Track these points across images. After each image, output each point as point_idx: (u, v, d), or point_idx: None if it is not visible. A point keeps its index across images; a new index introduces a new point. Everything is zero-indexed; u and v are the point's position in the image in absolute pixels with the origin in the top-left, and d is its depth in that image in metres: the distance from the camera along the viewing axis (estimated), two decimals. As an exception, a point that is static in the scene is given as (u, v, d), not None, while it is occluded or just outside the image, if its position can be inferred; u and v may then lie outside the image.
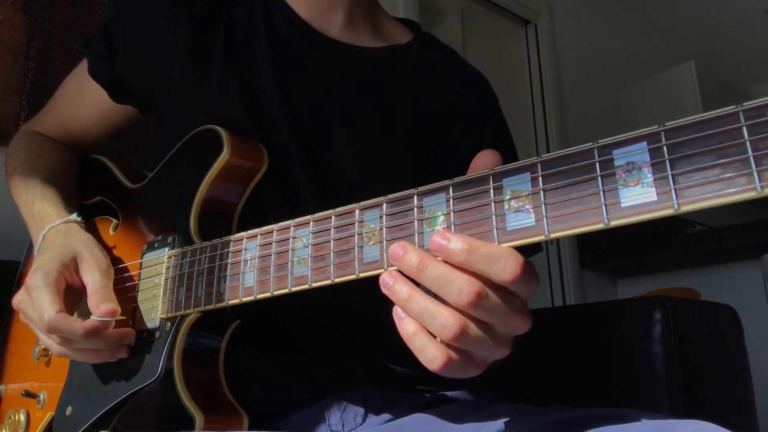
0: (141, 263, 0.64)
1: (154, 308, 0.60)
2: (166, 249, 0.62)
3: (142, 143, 1.10)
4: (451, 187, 0.41)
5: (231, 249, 0.55)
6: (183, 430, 0.56)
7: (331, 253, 0.46)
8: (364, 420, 0.64)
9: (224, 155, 0.61)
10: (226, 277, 0.54)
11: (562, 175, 0.36)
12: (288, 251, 0.49)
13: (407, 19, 0.88)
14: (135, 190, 0.72)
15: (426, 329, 0.40)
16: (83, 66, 0.79)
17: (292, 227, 0.50)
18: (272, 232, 0.51)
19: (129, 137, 0.90)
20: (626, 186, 0.33)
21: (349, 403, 0.65)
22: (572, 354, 0.92)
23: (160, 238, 0.64)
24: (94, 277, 0.60)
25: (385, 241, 0.43)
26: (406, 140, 0.73)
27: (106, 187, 0.77)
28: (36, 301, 0.57)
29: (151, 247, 0.64)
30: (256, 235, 0.53)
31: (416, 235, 0.42)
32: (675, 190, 0.31)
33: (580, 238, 2.59)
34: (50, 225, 0.67)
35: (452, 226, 0.40)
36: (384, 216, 0.44)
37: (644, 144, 0.33)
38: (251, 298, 0.52)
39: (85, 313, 0.58)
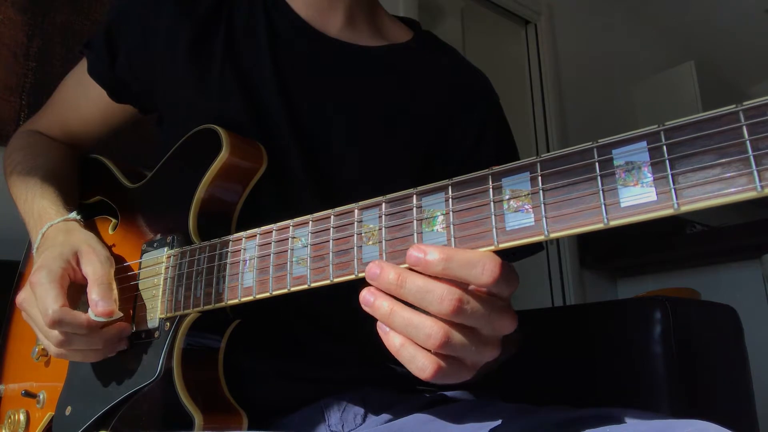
0: (140, 263, 0.64)
1: (153, 308, 0.60)
2: (165, 249, 0.62)
3: (142, 143, 1.10)
4: (450, 187, 0.41)
5: (230, 249, 0.55)
6: (182, 430, 0.56)
7: (330, 253, 0.46)
8: (363, 420, 0.64)
9: (223, 155, 0.61)
10: (225, 277, 0.54)
11: (562, 175, 0.36)
12: (287, 251, 0.49)
13: (407, 18, 0.88)
14: (134, 189, 0.72)
15: (412, 340, 0.40)
16: (83, 65, 0.79)
17: (291, 227, 0.50)
18: (271, 232, 0.51)
19: (129, 137, 0.90)
20: (626, 186, 0.33)
21: (349, 403, 0.65)
22: (572, 354, 0.92)
23: (159, 237, 0.64)
24: (94, 267, 0.60)
25: (384, 241, 0.43)
26: (406, 140, 0.73)
27: (106, 186, 0.77)
28: (40, 297, 0.57)
29: (150, 247, 0.64)
30: (255, 235, 0.53)
31: (415, 234, 0.42)
32: (675, 189, 0.31)
33: (580, 238, 2.59)
34: (50, 223, 0.66)
35: (451, 226, 0.40)
36: (383, 216, 0.44)
37: (644, 143, 0.33)
38: (250, 298, 0.52)
39: (87, 305, 0.59)
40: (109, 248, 0.69)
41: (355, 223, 0.45)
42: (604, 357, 0.89)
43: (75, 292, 0.60)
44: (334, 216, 0.47)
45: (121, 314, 0.59)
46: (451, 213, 0.40)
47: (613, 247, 2.61)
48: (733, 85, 3.47)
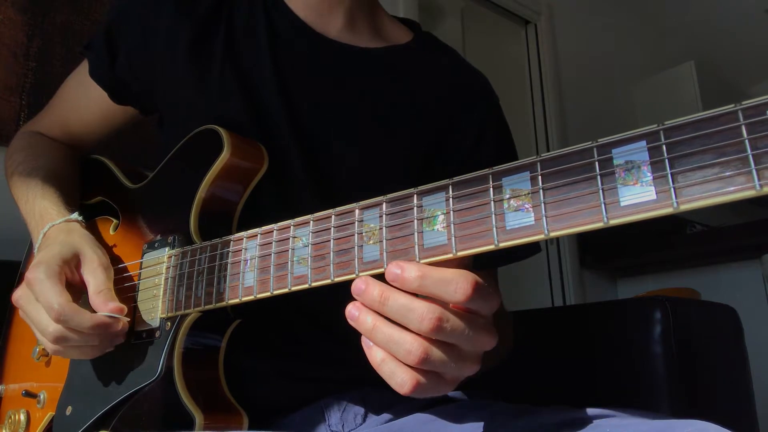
0: (141, 263, 0.64)
1: (154, 308, 0.60)
2: (166, 249, 0.62)
3: (143, 143, 1.10)
4: (450, 187, 0.41)
5: (231, 249, 0.55)
6: (183, 430, 0.56)
7: (331, 253, 0.46)
8: (364, 420, 0.64)
9: (224, 155, 0.61)
10: (226, 276, 0.54)
11: (562, 174, 0.36)
12: (288, 251, 0.49)
13: (407, 19, 0.88)
14: (135, 190, 0.72)
15: (393, 355, 0.41)
16: (84, 67, 0.80)
17: (292, 227, 0.50)
18: (272, 231, 0.51)
19: (130, 137, 0.90)
20: (625, 185, 0.33)
21: (349, 403, 0.65)
22: (572, 354, 0.92)
23: (160, 237, 0.64)
24: (96, 277, 0.60)
25: (384, 241, 0.43)
26: (405, 140, 0.73)
27: (107, 187, 0.77)
28: (41, 293, 0.57)
29: (151, 247, 0.64)
30: (256, 235, 0.53)
31: (416, 234, 0.42)
32: (674, 188, 0.31)
33: (581, 238, 2.59)
34: (51, 223, 0.66)
35: (452, 225, 0.40)
36: (384, 215, 0.44)
37: (643, 143, 0.33)
38: (251, 297, 0.52)
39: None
40: (110, 248, 0.69)
41: (356, 222, 0.45)
42: (604, 357, 0.89)
43: (71, 293, 0.60)
44: (335, 216, 0.47)
45: (128, 320, 0.60)
46: (451, 212, 0.41)
47: (613, 247, 2.61)
48: (733, 85, 3.47)
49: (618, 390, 0.86)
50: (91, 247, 0.63)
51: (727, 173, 0.30)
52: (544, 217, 0.36)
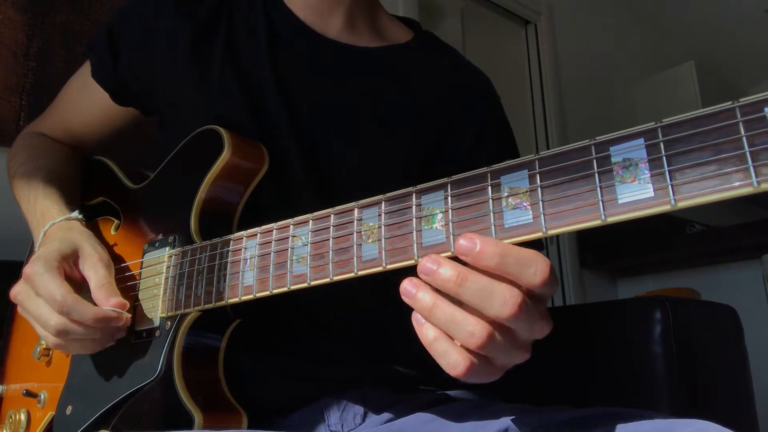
0: (142, 262, 0.64)
1: (154, 307, 0.60)
2: (167, 248, 0.62)
3: (144, 144, 1.10)
4: (449, 185, 0.41)
5: (231, 248, 0.55)
6: (182, 429, 0.56)
7: (330, 252, 0.46)
8: (363, 420, 0.64)
9: (225, 155, 0.61)
10: (225, 275, 0.54)
11: (560, 172, 0.36)
12: (287, 250, 0.49)
13: (408, 18, 0.88)
14: (136, 190, 0.73)
15: (446, 334, 0.39)
16: (86, 68, 0.80)
17: (291, 226, 0.50)
18: (272, 231, 0.52)
19: (132, 138, 0.90)
20: (623, 182, 0.33)
21: (349, 402, 0.65)
22: (572, 354, 0.92)
23: (160, 237, 0.64)
24: (97, 272, 0.60)
25: (383, 239, 0.43)
26: (405, 140, 0.73)
27: (108, 187, 0.77)
28: (42, 287, 0.57)
29: (151, 247, 0.64)
30: (256, 234, 0.53)
31: (414, 232, 0.42)
32: (672, 186, 0.32)
33: (580, 237, 2.59)
34: (51, 222, 0.67)
35: (450, 223, 0.40)
36: (383, 214, 0.44)
37: (641, 140, 0.33)
38: (250, 296, 0.52)
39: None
40: (111, 248, 0.69)
41: (355, 221, 0.45)
42: (604, 357, 0.89)
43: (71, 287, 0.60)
44: (334, 215, 0.47)
45: (130, 315, 0.60)
46: (450, 211, 0.41)
47: (613, 247, 2.61)
48: (733, 85, 3.47)
49: (618, 390, 0.86)
50: (90, 243, 0.63)
51: (725, 170, 0.30)
52: (542, 215, 0.36)
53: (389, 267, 0.43)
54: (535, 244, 0.39)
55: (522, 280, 0.37)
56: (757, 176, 0.29)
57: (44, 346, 0.71)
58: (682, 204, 0.31)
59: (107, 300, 0.58)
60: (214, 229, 0.60)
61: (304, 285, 0.47)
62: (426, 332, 0.40)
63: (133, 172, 0.77)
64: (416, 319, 0.41)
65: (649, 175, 0.33)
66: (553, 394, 0.91)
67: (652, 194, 0.32)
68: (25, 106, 1.18)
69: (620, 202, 0.33)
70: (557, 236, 2.17)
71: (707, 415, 0.46)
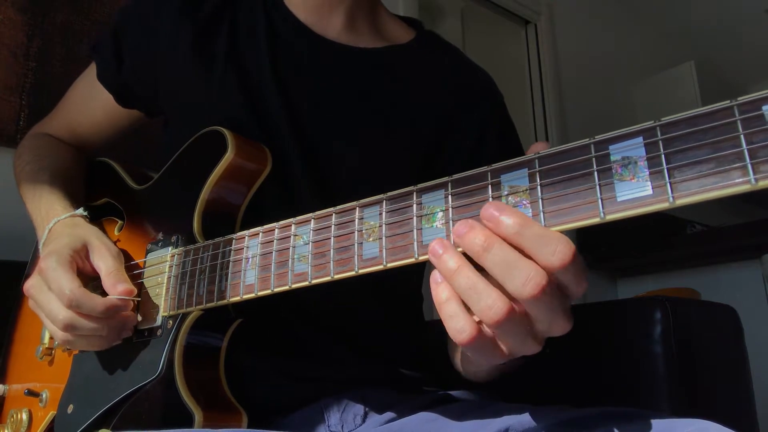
0: (145, 262, 0.65)
1: (156, 306, 0.61)
2: (170, 248, 0.62)
3: (147, 144, 1.10)
4: (449, 184, 0.41)
5: (233, 247, 0.55)
6: (182, 428, 0.56)
7: (331, 250, 0.46)
8: (363, 421, 0.64)
9: (228, 156, 0.61)
10: (227, 274, 0.54)
11: (559, 171, 0.36)
12: (289, 248, 0.49)
13: (410, 18, 0.88)
14: (140, 191, 0.73)
15: (461, 300, 0.38)
16: (92, 69, 0.81)
17: (293, 225, 0.50)
18: (274, 230, 0.52)
19: (134, 138, 0.91)
20: (622, 180, 0.34)
21: (349, 403, 0.65)
22: (572, 354, 0.92)
23: (163, 237, 0.64)
24: (106, 262, 0.61)
25: (384, 238, 0.43)
26: (405, 140, 0.73)
27: (113, 188, 0.78)
28: (54, 280, 0.58)
29: (154, 246, 0.65)
30: (258, 233, 0.53)
31: (415, 231, 0.42)
32: (670, 183, 0.32)
33: (581, 238, 2.58)
34: (56, 219, 0.68)
35: (451, 222, 0.40)
36: (384, 213, 0.44)
37: (640, 139, 0.34)
38: (252, 295, 0.52)
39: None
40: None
41: (356, 220, 0.45)
42: (604, 357, 0.88)
43: (82, 281, 0.61)
44: (336, 214, 0.47)
45: (138, 299, 0.60)
46: (450, 209, 0.41)
47: (613, 247, 2.61)
48: (733, 85, 3.47)
49: (618, 390, 0.86)
50: (98, 237, 0.64)
51: (723, 168, 0.30)
52: (542, 213, 0.37)
53: (390, 265, 0.43)
54: None
55: (539, 258, 0.35)
56: (754, 173, 0.29)
57: (47, 346, 0.71)
58: (680, 201, 0.31)
59: (115, 287, 0.59)
60: (217, 230, 0.60)
61: (306, 283, 0.48)
62: (440, 291, 0.39)
63: (136, 172, 0.78)
64: (434, 277, 0.40)
65: (647, 173, 0.33)
66: (553, 394, 0.91)
67: (650, 192, 0.33)
68: (25, 106, 1.18)
69: (619, 200, 0.34)
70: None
71: (707, 415, 0.46)
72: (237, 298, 0.53)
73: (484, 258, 0.37)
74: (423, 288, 0.80)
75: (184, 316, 0.58)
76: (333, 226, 0.47)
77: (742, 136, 0.30)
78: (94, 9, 1.32)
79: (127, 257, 0.67)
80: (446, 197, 0.41)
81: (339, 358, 0.68)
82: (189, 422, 0.56)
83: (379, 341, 0.70)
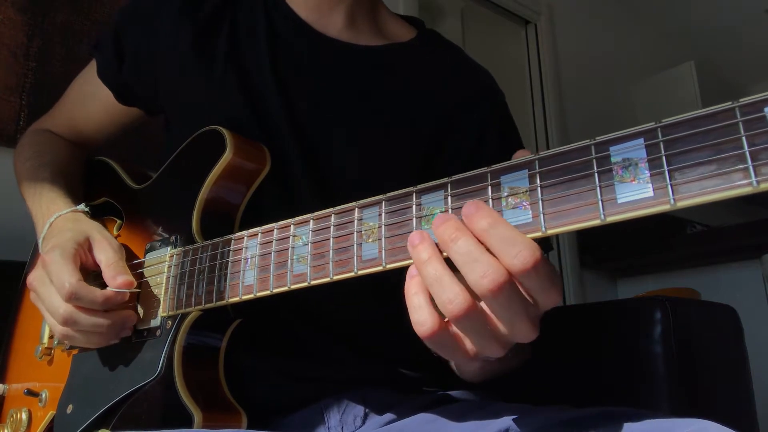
0: (143, 262, 0.65)
1: (155, 306, 0.60)
2: (169, 248, 0.62)
3: (145, 142, 1.10)
4: (449, 185, 0.41)
5: (232, 247, 0.55)
6: (182, 428, 0.56)
7: (330, 251, 0.46)
8: (363, 422, 0.64)
9: (227, 156, 0.61)
10: (226, 275, 0.54)
11: (560, 172, 0.36)
12: (288, 249, 0.49)
13: (411, 17, 0.88)
14: (139, 190, 0.73)
15: (430, 295, 0.39)
16: (92, 66, 0.81)
17: (292, 225, 0.50)
18: (273, 230, 0.52)
19: (133, 137, 0.91)
20: (623, 182, 0.33)
21: (349, 404, 0.65)
22: (572, 354, 0.92)
23: (162, 237, 0.64)
24: (107, 254, 0.61)
25: (383, 239, 0.43)
26: (406, 139, 0.73)
27: (111, 188, 0.77)
28: (55, 273, 0.58)
29: (153, 247, 0.64)
30: (257, 234, 0.53)
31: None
32: (671, 185, 0.32)
33: (581, 238, 2.58)
34: (57, 213, 0.68)
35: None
36: (383, 213, 0.44)
37: (641, 140, 0.33)
38: (251, 296, 0.52)
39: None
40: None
41: (355, 221, 0.45)
42: (604, 357, 0.88)
43: (85, 275, 0.61)
44: (335, 214, 0.47)
45: (138, 290, 0.61)
46: (450, 210, 0.41)
47: (613, 247, 2.61)
48: (733, 85, 3.47)
49: (618, 390, 0.86)
50: (99, 231, 0.65)
51: (725, 170, 0.30)
52: (542, 215, 0.37)
53: (389, 266, 0.43)
54: (541, 243, 0.38)
55: (503, 258, 0.37)
56: (756, 176, 0.29)
57: (46, 345, 0.71)
58: (681, 204, 0.31)
59: (114, 279, 0.59)
60: (216, 229, 0.60)
61: (305, 284, 0.47)
62: (412, 285, 0.41)
63: (135, 172, 0.78)
64: (410, 272, 0.41)
65: (648, 174, 0.33)
66: (554, 394, 0.91)
67: (651, 194, 0.32)
68: (25, 106, 1.18)
69: (620, 201, 0.34)
70: (557, 236, 2.17)
71: (707, 415, 0.46)
72: (236, 299, 0.53)
73: (450, 248, 0.38)
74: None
75: (183, 316, 0.58)
76: (332, 226, 0.47)
77: (743, 138, 0.29)
78: (94, 9, 1.32)
79: (126, 257, 0.67)
80: (446, 198, 0.41)
81: (339, 358, 0.68)
82: (188, 423, 0.56)
83: (379, 341, 0.70)
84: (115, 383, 0.60)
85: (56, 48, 1.25)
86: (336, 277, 0.46)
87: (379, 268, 0.43)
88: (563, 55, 2.87)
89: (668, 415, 0.47)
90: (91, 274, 0.63)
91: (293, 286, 0.48)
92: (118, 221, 0.73)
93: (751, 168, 0.29)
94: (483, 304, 0.39)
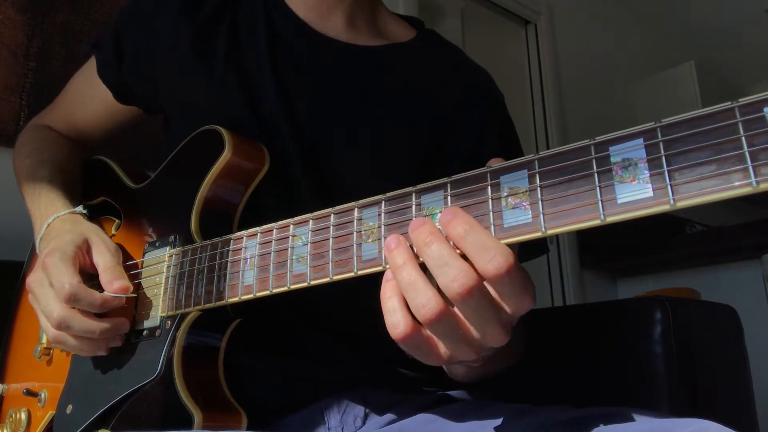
0: (142, 262, 0.64)
1: (154, 306, 0.60)
2: (167, 248, 0.62)
3: (143, 141, 1.10)
4: (449, 185, 0.41)
5: (231, 247, 0.55)
6: (181, 429, 0.56)
7: (330, 251, 0.46)
8: (363, 423, 0.64)
9: (225, 155, 0.61)
10: (225, 275, 0.54)
11: (559, 172, 0.36)
12: (287, 249, 0.49)
13: (410, 17, 0.88)
14: (137, 190, 0.73)
15: (404, 299, 0.40)
16: (92, 63, 0.81)
17: (291, 225, 0.50)
18: (272, 230, 0.52)
19: (131, 136, 0.91)
20: (622, 182, 0.33)
21: (349, 404, 0.65)
22: (572, 354, 0.92)
23: (161, 237, 0.64)
24: (104, 258, 0.61)
25: (383, 239, 0.43)
26: (405, 140, 0.73)
27: (109, 187, 0.77)
28: (56, 276, 0.58)
29: (152, 246, 0.64)
30: (256, 234, 0.53)
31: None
32: (671, 186, 0.32)
33: (581, 238, 2.58)
34: (56, 215, 0.68)
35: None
36: (383, 213, 0.44)
37: (640, 140, 0.33)
38: (250, 296, 0.52)
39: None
40: (112, 244, 0.69)
41: (355, 221, 0.45)
42: (604, 357, 0.88)
43: (82, 277, 0.61)
44: (334, 214, 0.47)
45: (134, 295, 0.61)
46: (449, 210, 0.41)
47: (613, 247, 2.61)
48: (733, 85, 3.47)
49: (618, 390, 0.86)
50: (97, 234, 0.65)
51: (724, 170, 0.30)
52: (542, 215, 0.37)
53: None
54: (538, 244, 0.39)
55: (477, 263, 0.37)
56: (756, 176, 0.29)
57: (45, 345, 0.71)
58: (681, 204, 0.31)
59: (111, 284, 0.59)
60: (215, 229, 0.60)
61: (304, 284, 0.47)
62: (387, 288, 0.41)
63: (133, 171, 0.78)
64: (386, 275, 0.42)
65: (648, 174, 0.33)
66: (553, 394, 0.91)
67: (651, 194, 0.32)
68: (25, 106, 1.18)
69: (619, 201, 0.33)
70: (557, 236, 2.17)
71: (707, 415, 0.46)
72: (235, 299, 0.53)
73: (424, 252, 0.39)
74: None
75: (183, 316, 0.58)
76: (332, 226, 0.47)
77: (743, 138, 0.29)
78: (94, 9, 1.32)
79: (124, 257, 0.67)
80: (445, 198, 0.41)
81: (339, 358, 0.68)
82: (188, 423, 0.56)
83: (379, 342, 0.70)
84: (115, 383, 0.60)
85: (56, 48, 1.25)
86: (336, 277, 0.45)
87: (379, 268, 0.43)
88: (563, 55, 2.87)
89: (668, 415, 0.47)
90: (88, 276, 0.63)
91: (293, 286, 0.48)
92: (117, 221, 0.73)
93: (750, 168, 0.29)
94: (456, 309, 0.40)
